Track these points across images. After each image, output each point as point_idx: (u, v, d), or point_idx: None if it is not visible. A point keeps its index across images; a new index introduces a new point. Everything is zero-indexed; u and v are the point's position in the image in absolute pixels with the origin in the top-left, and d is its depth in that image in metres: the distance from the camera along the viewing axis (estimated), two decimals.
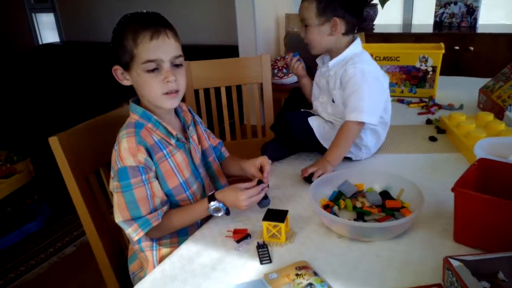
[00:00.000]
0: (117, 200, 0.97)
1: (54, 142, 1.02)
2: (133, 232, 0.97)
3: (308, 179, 1.20)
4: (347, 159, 1.36)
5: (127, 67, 1.00)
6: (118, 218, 0.97)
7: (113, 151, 1.01)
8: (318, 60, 1.46)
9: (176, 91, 1.02)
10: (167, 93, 1.00)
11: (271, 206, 1.03)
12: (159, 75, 0.98)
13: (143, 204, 0.97)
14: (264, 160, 1.12)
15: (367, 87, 1.24)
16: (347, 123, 1.25)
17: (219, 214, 1.02)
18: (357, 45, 1.33)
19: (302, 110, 1.48)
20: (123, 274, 1.15)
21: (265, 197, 1.06)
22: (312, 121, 1.36)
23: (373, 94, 1.25)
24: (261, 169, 1.12)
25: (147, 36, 0.95)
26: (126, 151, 0.97)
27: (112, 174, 1.00)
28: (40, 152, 1.09)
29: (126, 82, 1.03)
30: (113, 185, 0.98)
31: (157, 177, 1.02)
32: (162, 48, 0.97)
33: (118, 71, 1.03)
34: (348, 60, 1.30)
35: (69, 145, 1.04)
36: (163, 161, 1.03)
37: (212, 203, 1.01)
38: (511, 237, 0.81)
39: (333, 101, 1.36)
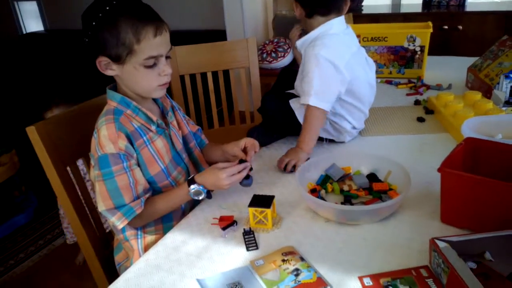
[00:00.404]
0: (99, 189, 0.95)
1: (32, 132, 0.99)
2: (117, 221, 0.95)
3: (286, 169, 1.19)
4: (332, 141, 1.34)
5: (118, 59, 0.94)
6: (101, 207, 0.95)
7: (92, 139, 0.98)
8: None
9: (168, 82, 1.01)
10: (160, 85, 1.00)
11: (258, 191, 1.02)
12: (156, 68, 0.97)
13: (126, 192, 0.95)
14: (249, 140, 1.10)
15: (317, 71, 1.21)
16: (307, 107, 1.23)
17: (200, 197, 1.00)
18: (330, 25, 1.27)
19: (286, 92, 1.45)
20: (110, 264, 1.14)
21: (247, 176, 1.04)
22: (294, 104, 1.34)
23: (323, 78, 1.22)
24: (244, 151, 1.10)
25: (150, 32, 0.92)
26: (106, 138, 0.94)
27: (92, 162, 0.98)
28: (25, 143, 1.06)
29: (110, 72, 0.98)
30: (94, 173, 0.96)
31: (138, 164, 1.00)
32: (164, 44, 0.96)
33: (102, 62, 0.96)
34: (312, 41, 1.28)
35: (47, 134, 1.01)
36: (144, 147, 1.00)
37: (192, 186, 0.98)
38: (498, 216, 0.81)
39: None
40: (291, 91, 1.47)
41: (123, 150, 0.95)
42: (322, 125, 1.27)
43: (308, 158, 1.22)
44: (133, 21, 0.91)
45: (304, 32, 1.45)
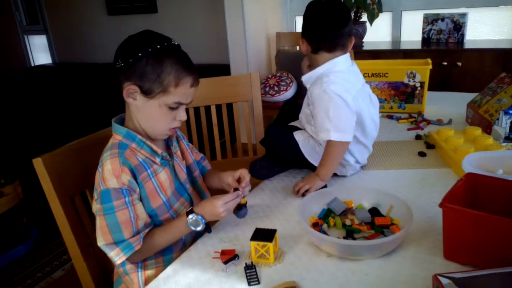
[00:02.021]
0: (99, 223, 0.96)
1: (38, 163, 1.01)
2: (115, 256, 0.95)
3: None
4: (334, 175, 1.35)
5: (149, 93, 0.97)
6: (101, 242, 0.95)
7: (96, 172, 0.99)
8: None
9: (178, 128, 1.08)
10: (170, 129, 1.05)
11: (260, 225, 1.02)
12: (174, 112, 1.02)
13: (125, 227, 0.95)
14: (243, 171, 1.13)
15: (331, 106, 1.24)
16: (329, 142, 1.26)
17: (198, 228, 1.00)
18: (334, 63, 1.30)
19: (289, 124, 1.47)
20: None
21: (241, 207, 1.08)
22: (298, 136, 1.36)
23: (339, 112, 1.24)
24: (240, 181, 1.12)
25: (188, 82, 0.99)
26: (110, 172, 0.95)
27: (95, 196, 0.99)
28: (28, 174, 1.08)
29: (131, 101, 1.00)
30: (96, 207, 0.97)
31: (141, 198, 1.00)
32: (192, 95, 1.04)
33: (130, 90, 0.98)
34: (318, 78, 1.31)
35: (53, 166, 1.03)
36: (147, 181, 1.02)
37: (190, 216, 1.00)
38: (500, 253, 0.80)
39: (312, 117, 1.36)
40: (294, 123, 1.49)
41: (126, 185, 0.96)
42: (343, 157, 1.30)
43: (325, 186, 1.26)
44: (178, 67, 0.97)
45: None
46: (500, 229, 0.81)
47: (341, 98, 1.24)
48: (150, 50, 0.95)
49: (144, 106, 1.00)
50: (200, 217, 1.00)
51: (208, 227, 1.03)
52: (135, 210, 0.97)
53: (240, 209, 1.08)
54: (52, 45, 4.89)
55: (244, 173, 1.12)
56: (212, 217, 1.02)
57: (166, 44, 0.97)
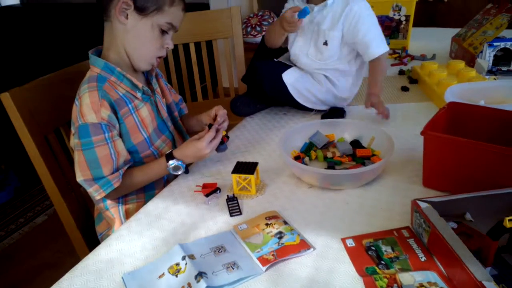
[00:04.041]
0: (78, 158, 0.93)
1: (6, 98, 0.96)
2: (94, 192, 0.93)
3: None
4: (318, 111, 1.33)
5: (142, 10, 0.93)
6: (79, 177, 0.93)
7: (73, 106, 0.95)
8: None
9: (163, 57, 1.04)
10: (158, 57, 1.01)
11: (242, 160, 1.00)
12: (164, 38, 0.99)
13: (105, 163, 0.93)
14: (217, 107, 1.10)
15: (375, 19, 1.24)
16: (379, 58, 1.23)
17: (179, 173, 0.99)
18: None
19: (275, 60, 1.40)
20: (93, 236, 1.12)
21: (222, 142, 1.05)
22: (287, 77, 1.28)
23: (378, 24, 1.25)
24: (215, 119, 1.09)
25: (182, 4, 0.97)
26: (88, 106, 0.91)
27: (72, 130, 0.95)
28: (3, 120, 1.03)
29: (122, 19, 0.93)
30: (74, 142, 0.93)
31: (121, 134, 0.97)
32: (181, 21, 1.00)
33: (123, 5, 0.91)
34: None
35: (23, 101, 0.98)
36: (128, 116, 0.98)
37: (171, 161, 0.98)
38: (478, 177, 0.81)
39: (325, 44, 1.26)
40: (281, 59, 1.39)
41: (105, 120, 0.92)
42: None
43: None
44: None
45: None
46: (479, 154, 0.81)
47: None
48: None
49: (135, 27, 0.95)
50: (180, 162, 0.98)
51: (186, 169, 1.01)
52: (115, 147, 0.95)
53: (221, 144, 1.05)
54: None
55: (218, 108, 1.09)
56: (196, 159, 1.00)
57: None
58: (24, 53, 4.16)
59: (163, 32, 0.97)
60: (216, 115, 1.08)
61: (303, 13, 1.19)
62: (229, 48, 1.87)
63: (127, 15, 0.93)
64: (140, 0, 0.92)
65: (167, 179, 1.09)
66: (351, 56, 1.28)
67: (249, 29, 2.95)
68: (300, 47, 1.30)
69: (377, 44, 1.22)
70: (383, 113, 1.21)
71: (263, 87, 1.28)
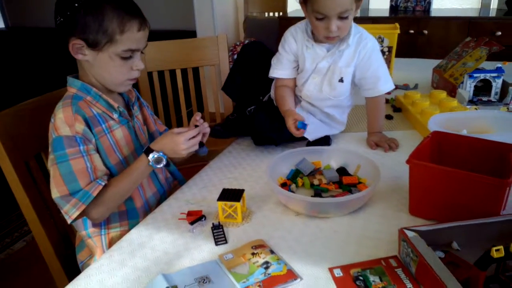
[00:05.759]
0: (53, 173, 0.90)
1: None
2: (72, 208, 0.88)
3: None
4: (303, 138, 1.32)
5: (95, 45, 0.92)
6: (55, 194, 0.89)
7: (50, 124, 0.93)
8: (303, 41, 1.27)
9: (137, 78, 1.01)
10: (129, 79, 0.99)
11: (228, 187, 0.99)
12: (130, 61, 0.96)
13: (81, 176, 0.89)
14: (195, 115, 1.04)
15: (382, 57, 1.27)
16: (380, 96, 1.27)
17: (162, 164, 0.96)
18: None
19: (264, 100, 1.39)
20: (72, 265, 1.08)
21: (202, 144, 1.02)
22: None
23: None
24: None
25: (134, 26, 0.93)
26: (62, 120, 0.90)
27: (50, 149, 0.93)
28: None
29: (81, 57, 0.94)
30: (49, 158, 0.91)
31: (98, 151, 0.95)
32: (143, 40, 0.97)
33: (76, 45, 0.92)
34: (357, 34, 1.23)
35: (3, 126, 0.96)
36: (103, 135, 0.97)
37: (151, 155, 0.95)
38: (464, 206, 0.82)
39: (340, 81, 1.25)
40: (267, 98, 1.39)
41: (80, 134, 0.91)
42: None
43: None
44: (119, 12, 0.91)
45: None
46: (463, 183, 0.82)
47: None
48: None
49: (95, 61, 0.94)
50: (161, 153, 0.95)
51: (168, 162, 0.98)
52: (91, 160, 0.92)
53: (201, 146, 1.02)
54: (3, 7, 4.57)
55: (196, 115, 1.04)
56: (172, 154, 0.97)
57: None
58: (7, 77, 4.12)
59: (127, 58, 0.95)
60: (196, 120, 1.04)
61: (301, 125, 1.17)
62: (215, 75, 1.89)
63: (84, 52, 0.93)
64: (90, 37, 0.91)
65: (151, 207, 1.06)
66: (353, 91, 1.31)
67: (235, 56, 2.99)
68: (314, 85, 1.28)
69: (386, 81, 1.26)
70: (392, 149, 1.23)
71: (265, 132, 1.27)
